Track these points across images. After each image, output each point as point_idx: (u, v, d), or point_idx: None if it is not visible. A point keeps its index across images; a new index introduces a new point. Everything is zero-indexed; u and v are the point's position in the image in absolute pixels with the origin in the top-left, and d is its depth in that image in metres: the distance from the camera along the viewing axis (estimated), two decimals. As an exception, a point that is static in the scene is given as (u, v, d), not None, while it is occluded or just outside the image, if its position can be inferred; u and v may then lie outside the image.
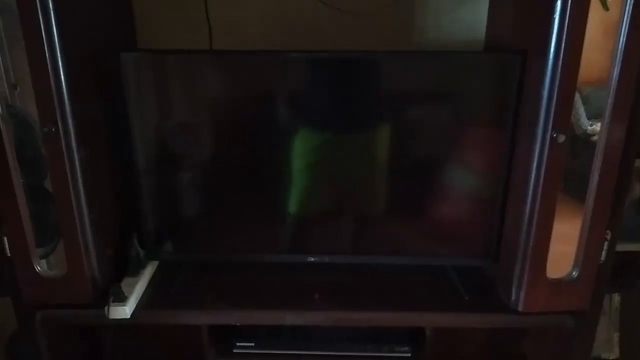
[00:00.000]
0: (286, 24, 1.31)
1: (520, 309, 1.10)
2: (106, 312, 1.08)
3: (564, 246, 1.08)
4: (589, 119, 1.07)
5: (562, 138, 0.96)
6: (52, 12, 0.93)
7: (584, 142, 1.07)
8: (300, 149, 1.19)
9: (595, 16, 0.91)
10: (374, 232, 1.27)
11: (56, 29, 0.94)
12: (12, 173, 1.01)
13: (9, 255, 1.07)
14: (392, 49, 1.28)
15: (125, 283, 1.15)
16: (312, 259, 1.26)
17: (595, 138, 1.05)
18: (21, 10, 0.92)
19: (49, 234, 1.12)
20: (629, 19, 0.91)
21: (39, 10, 0.91)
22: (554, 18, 0.92)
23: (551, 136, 0.97)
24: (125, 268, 1.20)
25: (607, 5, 0.97)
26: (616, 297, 1.52)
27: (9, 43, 1.01)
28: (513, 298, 1.11)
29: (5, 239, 1.06)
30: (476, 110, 1.16)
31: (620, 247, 1.10)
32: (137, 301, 1.14)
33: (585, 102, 1.02)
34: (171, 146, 1.19)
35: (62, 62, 0.96)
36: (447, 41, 1.33)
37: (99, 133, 1.13)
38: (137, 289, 1.15)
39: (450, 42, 1.33)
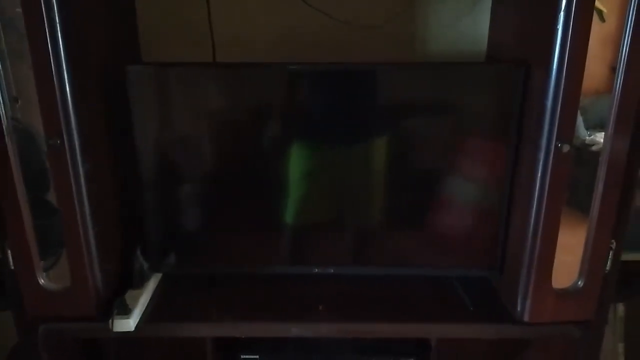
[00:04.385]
0: (289, 36, 1.32)
1: (526, 319, 1.10)
2: (110, 325, 1.08)
3: (568, 256, 1.08)
4: (587, 129, 1.08)
5: (566, 148, 0.97)
6: (58, 25, 0.93)
7: (583, 153, 1.07)
8: (305, 161, 1.19)
9: (593, 27, 0.92)
10: (378, 243, 1.27)
11: (62, 42, 0.94)
12: (17, 186, 1.00)
13: (12, 268, 1.07)
14: (395, 61, 1.28)
15: (129, 296, 1.15)
16: (317, 270, 1.25)
17: (594, 148, 1.06)
18: (28, 24, 0.92)
19: (52, 247, 1.12)
20: (631, 30, 0.92)
21: (46, 24, 0.92)
22: (557, 29, 0.92)
23: (555, 146, 0.97)
24: (129, 281, 1.19)
25: (603, 17, 0.99)
26: (620, 307, 1.52)
27: (9, 56, 1.01)
28: (519, 308, 1.10)
29: (9, 252, 1.05)
30: (478, 121, 1.16)
31: (625, 257, 1.10)
32: (141, 314, 1.13)
33: (583, 112, 1.03)
34: (174, 159, 1.19)
35: (67, 76, 0.96)
36: (449, 53, 1.33)
37: (103, 146, 1.13)
38: (141, 302, 1.15)
39: (453, 54, 1.33)
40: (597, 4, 0.94)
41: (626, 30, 0.92)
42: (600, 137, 1.04)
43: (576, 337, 1.12)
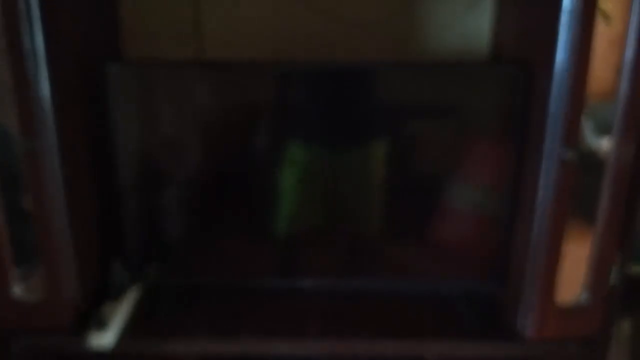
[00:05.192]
0: (281, 35, 1.28)
1: (529, 335, 1.06)
2: (87, 339, 1.03)
3: (572, 269, 1.04)
4: (596, 134, 1.04)
5: (571, 155, 0.93)
6: (37, 22, 0.90)
7: (591, 159, 1.04)
8: (298, 166, 1.16)
9: (600, 29, 0.90)
10: (374, 255, 1.23)
11: (40, 38, 0.91)
12: (-10, 192, 0.97)
13: (-16, 278, 1.02)
14: (393, 59, 1.26)
15: (107, 308, 1.10)
16: (309, 284, 1.21)
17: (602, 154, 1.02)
18: (5, 19, 0.88)
19: (25, 256, 1.06)
20: (636, 31, 0.89)
21: (24, 20, 0.88)
22: (560, 30, 0.90)
23: (560, 153, 0.94)
24: (108, 292, 1.15)
25: (610, 19, 0.96)
26: (626, 323, 1.48)
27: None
28: (521, 325, 1.07)
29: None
30: (480, 125, 1.14)
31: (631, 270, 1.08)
32: (120, 328, 1.09)
33: (592, 117, 1.00)
34: (157, 163, 1.16)
35: (45, 75, 0.93)
36: (449, 52, 1.30)
37: (82, 149, 1.09)
38: (120, 315, 1.10)
39: (452, 53, 1.30)
40: (604, 5, 0.91)
41: (630, 32, 0.90)
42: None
43: (581, 354, 1.09)
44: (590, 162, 1.01)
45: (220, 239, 1.21)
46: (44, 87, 0.93)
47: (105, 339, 1.04)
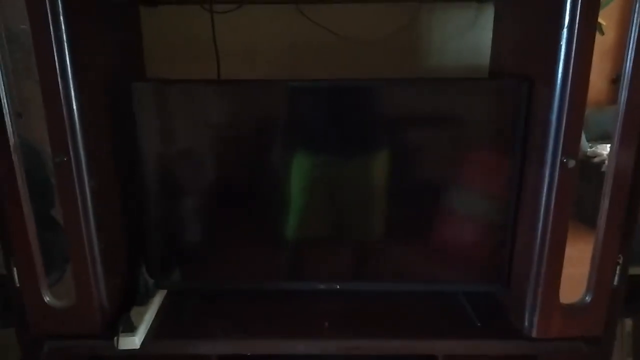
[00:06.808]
0: (294, 52, 1.33)
1: (534, 335, 1.09)
2: (115, 342, 1.07)
3: (575, 270, 1.07)
4: (588, 141, 1.07)
5: (572, 163, 0.97)
6: (65, 43, 0.94)
7: (585, 165, 1.07)
8: (310, 176, 1.19)
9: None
10: (383, 258, 1.26)
11: (69, 59, 0.95)
12: (23, 203, 1.01)
13: (18, 285, 1.06)
14: (399, 75, 1.29)
15: (134, 313, 1.14)
16: (320, 287, 1.25)
17: (596, 160, 1.05)
18: (36, 41, 0.93)
19: (56, 263, 1.11)
20: (634, 42, 0.92)
21: (53, 41, 0.93)
22: (561, 45, 0.93)
23: (561, 161, 0.97)
24: (134, 297, 1.19)
25: (602, 30, 0.99)
26: (628, 322, 1.50)
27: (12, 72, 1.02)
28: (526, 324, 1.09)
29: (15, 269, 1.05)
30: (483, 136, 1.16)
31: (632, 271, 1.09)
32: (146, 331, 1.13)
33: (583, 124, 1.03)
34: (179, 175, 1.19)
35: (74, 93, 0.97)
36: (452, 67, 1.34)
37: (108, 162, 1.13)
38: (146, 319, 1.14)
39: (455, 69, 1.34)
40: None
41: (629, 43, 0.93)
42: (601, 149, 1.04)
43: (584, 353, 1.11)
44: (585, 167, 1.04)
45: (237, 245, 1.25)
46: (74, 106, 0.97)
47: (132, 342, 1.08)
